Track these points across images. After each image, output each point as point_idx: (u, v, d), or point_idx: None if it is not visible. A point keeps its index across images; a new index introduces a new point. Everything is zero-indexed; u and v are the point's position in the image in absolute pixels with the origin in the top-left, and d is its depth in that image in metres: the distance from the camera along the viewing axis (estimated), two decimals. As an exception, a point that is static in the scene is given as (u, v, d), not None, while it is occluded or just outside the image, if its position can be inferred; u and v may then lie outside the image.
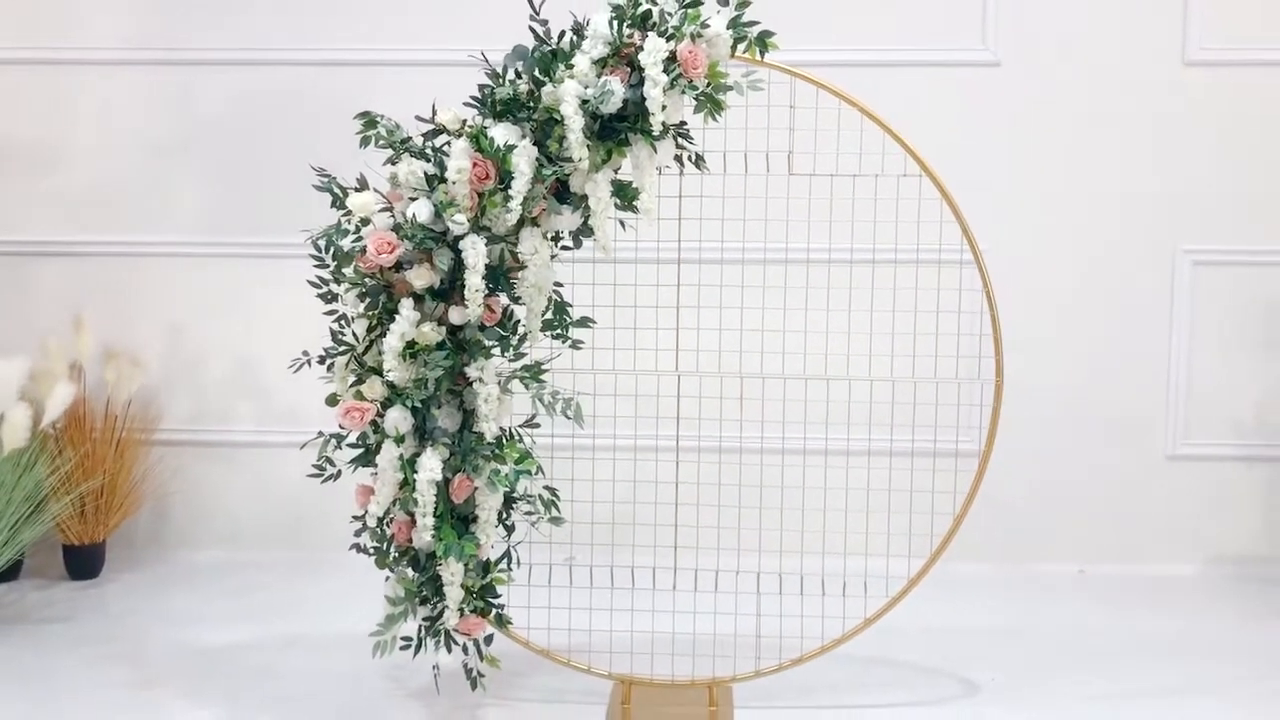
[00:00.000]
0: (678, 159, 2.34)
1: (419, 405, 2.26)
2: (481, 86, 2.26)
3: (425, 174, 2.24)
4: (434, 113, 2.26)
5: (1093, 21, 3.49)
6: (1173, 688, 2.64)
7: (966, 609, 3.19)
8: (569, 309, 2.41)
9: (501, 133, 2.21)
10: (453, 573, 2.29)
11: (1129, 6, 3.48)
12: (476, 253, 2.18)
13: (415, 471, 2.23)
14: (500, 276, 2.27)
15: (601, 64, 2.22)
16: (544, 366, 2.36)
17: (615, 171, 2.26)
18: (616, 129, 2.22)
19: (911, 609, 2.95)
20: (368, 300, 2.28)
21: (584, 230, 2.31)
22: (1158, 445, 3.59)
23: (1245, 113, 3.49)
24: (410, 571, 2.36)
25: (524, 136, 2.22)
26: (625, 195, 2.26)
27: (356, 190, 2.31)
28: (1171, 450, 3.58)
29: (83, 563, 3.45)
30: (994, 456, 3.48)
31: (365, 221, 2.27)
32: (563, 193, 2.28)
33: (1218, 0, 3.45)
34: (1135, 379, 3.57)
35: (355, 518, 2.36)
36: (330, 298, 2.34)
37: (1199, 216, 3.53)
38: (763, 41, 2.24)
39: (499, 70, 2.26)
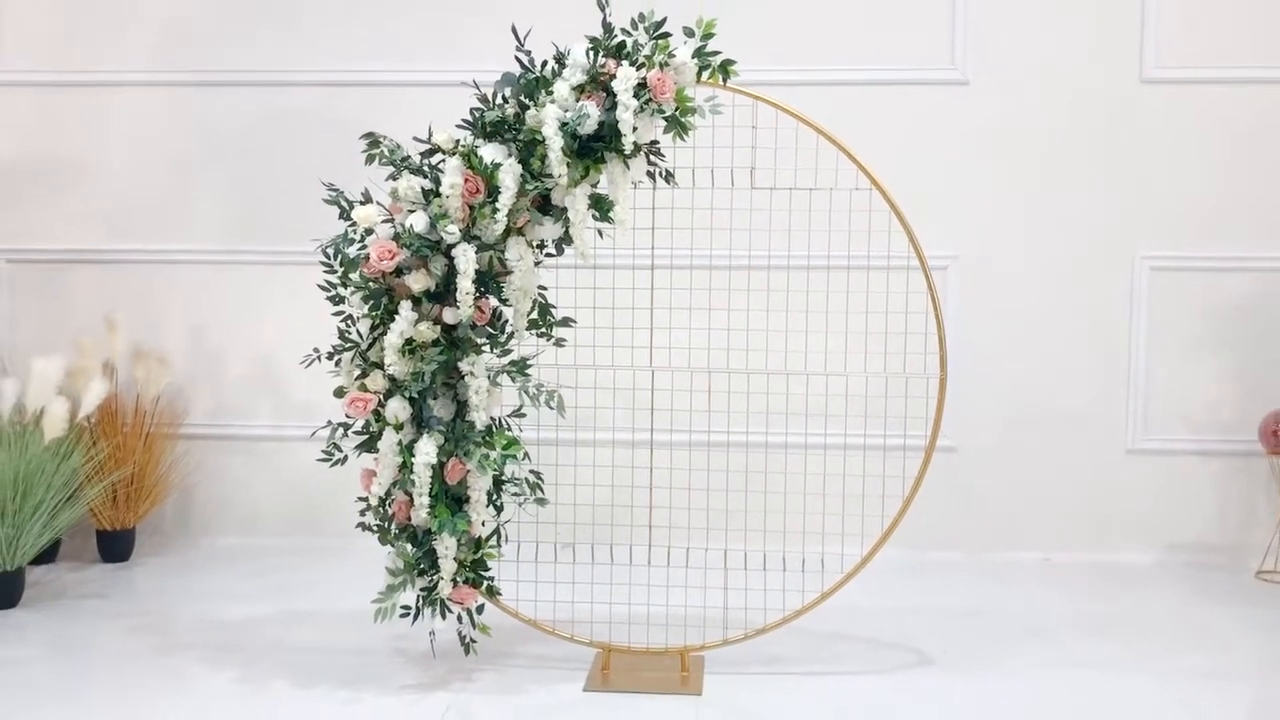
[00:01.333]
0: (650, 174, 2.58)
1: (416, 396, 2.52)
2: (473, 109, 2.52)
3: (422, 189, 2.50)
4: (430, 134, 2.52)
5: (1057, 42, 3.72)
6: (1109, 661, 2.84)
7: (933, 592, 3.41)
8: (552, 310, 2.66)
9: (490, 152, 2.47)
10: (447, 547, 2.54)
11: (1090, 28, 3.71)
12: (467, 259, 2.43)
13: (413, 456, 2.49)
14: (489, 281, 2.53)
15: (579, 90, 2.47)
16: (529, 362, 2.61)
17: (593, 186, 2.51)
18: (593, 148, 2.48)
19: (880, 592, 3.20)
20: (371, 302, 2.53)
21: (565, 239, 2.56)
22: (1118, 440, 3.80)
23: (1198, 127, 3.71)
24: (409, 546, 2.61)
25: (510, 155, 2.48)
26: (602, 207, 2.51)
27: (361, 203, 2.57)
28: (1131, 445, 3.79)
29: (114, 546, 3.72)
30: (965, 452, 3.76)
31: (369, 231, 2.53)
32: (545, 205, 2.53)
33: (1172, 24, 3.68)
34: (1097, 378, 3.79)
35: (360, 499, 2.61)
36: (338, 300, 2.59)
37: (1156, 226, 3.74)
38: (724, 69, 2.49)
39: (489, 95, 2.52)
